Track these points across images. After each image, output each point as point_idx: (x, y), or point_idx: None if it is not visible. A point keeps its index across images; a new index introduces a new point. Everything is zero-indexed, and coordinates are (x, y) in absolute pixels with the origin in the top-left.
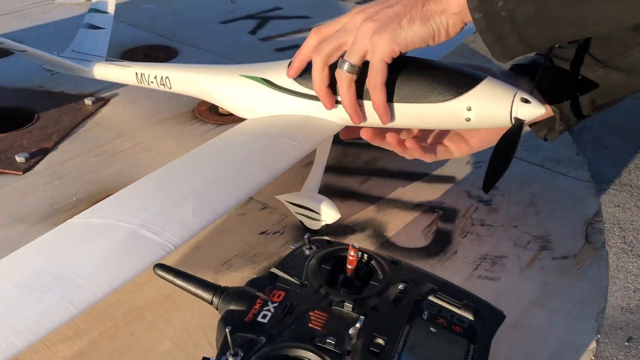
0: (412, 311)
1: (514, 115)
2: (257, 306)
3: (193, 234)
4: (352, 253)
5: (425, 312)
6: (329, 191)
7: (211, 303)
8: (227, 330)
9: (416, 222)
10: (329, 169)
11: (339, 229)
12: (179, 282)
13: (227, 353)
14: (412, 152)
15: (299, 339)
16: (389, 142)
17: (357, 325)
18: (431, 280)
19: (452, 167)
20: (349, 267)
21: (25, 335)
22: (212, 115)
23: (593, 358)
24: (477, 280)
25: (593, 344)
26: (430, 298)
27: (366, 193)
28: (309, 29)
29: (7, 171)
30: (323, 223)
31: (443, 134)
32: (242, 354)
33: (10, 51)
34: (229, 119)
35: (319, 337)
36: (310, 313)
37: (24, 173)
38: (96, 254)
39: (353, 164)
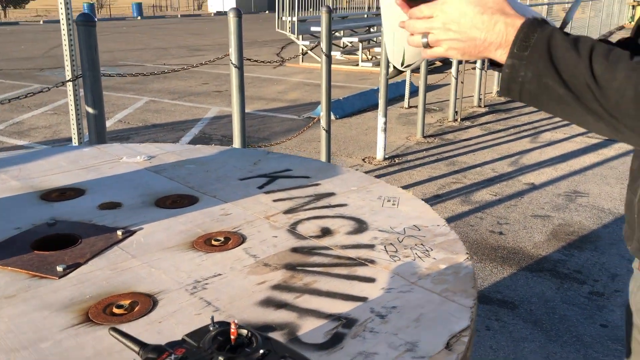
0: None
1: None
2: (164, 356)
3: None
4: (232, 328)
5: None
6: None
7: (138, 353)
8: None
9: (322, 327)
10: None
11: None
12: (123, 340)
13: None
14: None
15: None
16: None
17: None
18: (289, 352)
19: (365, 289)
20: (232, 337)
21: None
22: (205, 246)
23: None
24: None
25: None
26: None
27: (300, 305)
28: (307, 186)
29: (49, 276)
30: None
31: None
32: None
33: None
34: (216, 249)
35: None
36: None
37: (59, 278)
38: None
39: (297, 284)
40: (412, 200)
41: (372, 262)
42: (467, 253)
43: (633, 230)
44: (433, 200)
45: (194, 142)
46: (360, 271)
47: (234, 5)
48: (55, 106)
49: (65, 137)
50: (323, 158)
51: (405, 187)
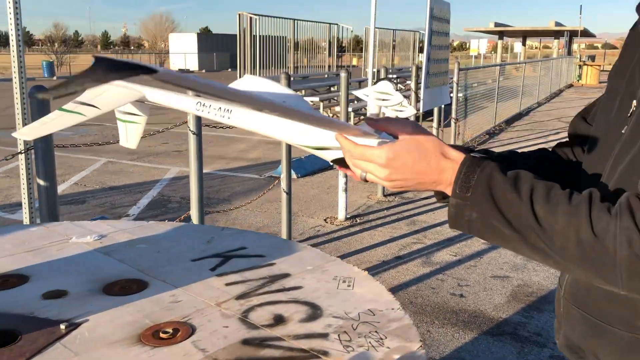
0: None
1: None
2: None
3: None
4: None
5: None
6: None
7: None
8: None
9: None
10: None
11: None
12: None
13: None
14: None
15: None
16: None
17: None
18: None
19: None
20: None
21: None
22: (152, 339)
23: None
24: None
25: None
26: None
27: None
28: (262, 266)
29: None
30: None
31: None
32: None
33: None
34: (165, 342)
35: None
36: None
37: None
38: None
39: None
40: (367, 281)
41: (325, 353)
42: (420, 341)
43: (560, 324)
44: (395, 262)
45: (152, 204)
46: None
47: (197, 64)
48: (7, 169)
49: (17, 202)
50: (284, 220)
51: (367, 249)
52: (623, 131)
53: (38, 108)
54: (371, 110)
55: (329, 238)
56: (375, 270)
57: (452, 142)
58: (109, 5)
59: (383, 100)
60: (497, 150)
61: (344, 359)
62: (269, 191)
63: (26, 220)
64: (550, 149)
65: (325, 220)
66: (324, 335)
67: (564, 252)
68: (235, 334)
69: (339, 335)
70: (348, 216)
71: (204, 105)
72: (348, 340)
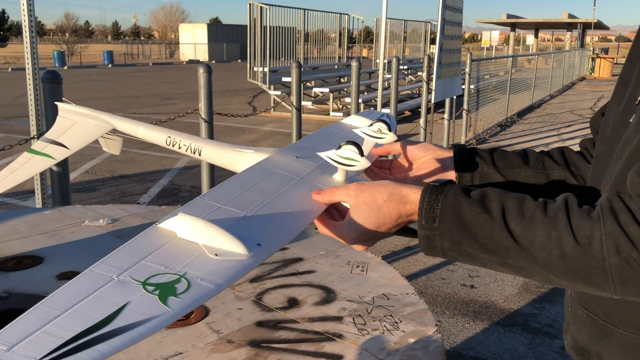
0: None
1: None
2: None
3: None
4: None
5: None
6: None
7: None
8: None
9: None
10: None
11: None
12: None
13: None
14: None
15: None
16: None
17: None
18: None
19: None
20: None
21: None
22: None
23: None
24: None
25: None
26: None
27: None
28: None
29: None
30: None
31: None
32: None
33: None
34: (179, 323)
35: None
36: None
37: None
38: None
39: None
40: (381, 266)
41: (340, 336)
42: (436, 325)
43: (568, 325)
44: (405, 253)
45: (162, 193)
46: (328, 347)
47: (207, 53)
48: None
49: (28, 190)
50: None
51: None
52: (631, 120)
53: (50, 92)
54: (336, 177)
55: None
56: (385, 260)
57: (463, 134)
58: None
59: (348, 166)
60: (507, 142)
61: (359, 342)
62: None
63: (39, 206)
64: (573, 149)
65: None
66: (339, 319)
67: (549, 267)
68: (249, 315)
69: (353, 318)
70: None
71: (173, 139)
72: (363, 323)
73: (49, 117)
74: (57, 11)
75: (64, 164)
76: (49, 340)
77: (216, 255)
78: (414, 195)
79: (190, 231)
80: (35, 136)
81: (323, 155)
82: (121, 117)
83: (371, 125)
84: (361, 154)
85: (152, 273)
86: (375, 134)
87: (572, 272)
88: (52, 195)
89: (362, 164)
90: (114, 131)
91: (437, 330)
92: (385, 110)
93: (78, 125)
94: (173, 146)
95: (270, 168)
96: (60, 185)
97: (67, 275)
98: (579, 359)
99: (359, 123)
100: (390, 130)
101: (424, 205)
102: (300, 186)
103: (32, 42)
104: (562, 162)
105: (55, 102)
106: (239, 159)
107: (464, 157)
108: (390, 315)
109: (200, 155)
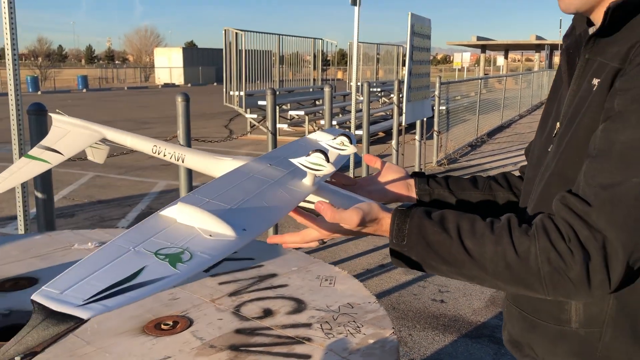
0: None
1: None
2: None
3: None
4: None
5: None
6: None
7: None
8: None
9: None
10: None
11: None
12: None
13: None
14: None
15: None
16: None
17: None
18: None
19: None
20: None
21: None
22: (155, 330)
23: None
24: None
25: None
26: None
27: None
28: (249, 268)
29: None
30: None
31: None
32: None
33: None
34: (166, 332)
35: None
36: None
37: None
38: None
39: None
40: (347, 279)
41: (308, 340)
42: (392, 328)
43: (505, 323)
44: (378, 270)
45: (140, 217)
46: (298, 349)
47: (182, 77)
48: None
49: (5, 216)
50: (271, 231)
51: (351, 258)
52: (549, 149)
53: (36, 124)
54: (305, 181)
55: (315, 247)
56: (359, 277)
57: (434, 154)
58: (93, 19)
59: (316, 170)
60: (477, 161)
61: (325, 344)
62: None
63: (21, 232)
64: (514, 173)
65: None
66: (308, 325)
67: (497, 276)
68: (228, 325)
69: (321, 324)
70: None
71: (159, 148)
72: (329, 328)
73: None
74: (30, 35)
75: (48, 190)
76: (88, 288)
77: (210, 235)
78: (386, 218)
79: (188, 217)
80: None
81: (295, 161)
82: (110, 127)
83: (335, 138)
84: (327, 160)
85: (160, 247)
86: (338, 146)
87: (515, 279)
88: (37, 220)
89: (328, 169)
90: (104, 140)
91: (393, 333)
92: (358, 132)
93: (71, 134)
94: (158, 154)
95: (248, 172)
96: (45, 211)
97: None
98: (514, 351)
99: (322, 137)
100: (351, 143)
101: (394, 227)
102: (275, 187)
103: (15, 72)
104: (506, 185)
105: (50, 114)
106: (218, 165)
107: (423, 182)
108: (354, 321)
109: (183, 162)
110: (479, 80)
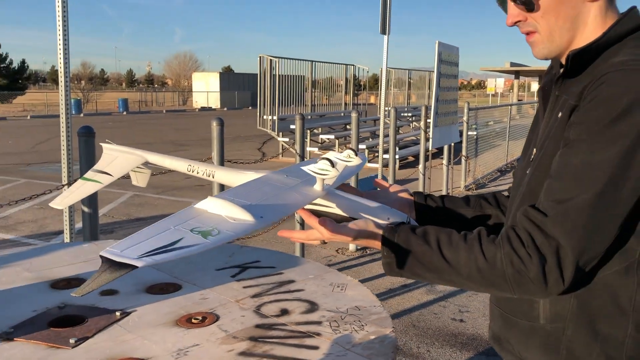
0: None
1: None
2: None
3: None
4: None
5: None
6: None
7: None
8: None
9: None
10: None
11: None
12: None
13: None
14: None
15: None
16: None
17: None
18: None
19: (310, 355)
20: None
21: None
22: (186, 323)
23: None
24: None
25: None
26: None
27: None
28: (270, 275)
29: (63, 347)
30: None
31: None
32: None
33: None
34: (196, 325)
35: None
36: None
37: (71, 348)
38: None
39: None
40: (357, 286)
41: (318, 334)
42: (392, 327)
43: (490, 322)
44: (400, 290)
45: None
46: (308, 341)
47: (219, 101)
48: (42, 201)
49: (51, 231)
50: (297, 250)
51: (375, 277)
52: (527, 172)
53: (85, 146)
54: (316, 187)
55: (340, 267)
56: (382, 297)
57: (462, 179)
58: (134, 44)
59: (323, 175)
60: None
61: (332, 338)
62: (284, 222)
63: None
64: (503, 193)
65: (337, 250)
66: (319, 323)
67: (471, 279)
68: (250, 320)
69: (330, 322)
70: (358, 247)
71: (193, 167)
72: (337, 326)
73: (83, 166)
74: (75, 60)
75: (94, 205)
76: (141, 249)
77: (234, 220)
78: (378, 235)
79: (216, 207)
80: (67, 184)
81: (305, 168)
82: (151, 152)
83: (342, 152)
84: (332, 165)
85: (194, 226)
86: (345, 158)
87: (486, 281)
88: (83, 232)
89: (333, 173)
90: (146, 163)
91: (392, 331)
92: (386, 156)
93: (119, 159)
94: (193, 172)
95: (267, 180)
96: (91, 224)
97: (108, 292)
98: (495, 345)
99: (331, 155)
100: (357, 155)
101: (384, 241)
102: (289, 191)
103: (66, 98)
104: (494, 203)
105: (100, 143)
106: (243, 178)
107: (421, 201)
108: (359, 321)
109: (214, 177)
110: (510, 107)
